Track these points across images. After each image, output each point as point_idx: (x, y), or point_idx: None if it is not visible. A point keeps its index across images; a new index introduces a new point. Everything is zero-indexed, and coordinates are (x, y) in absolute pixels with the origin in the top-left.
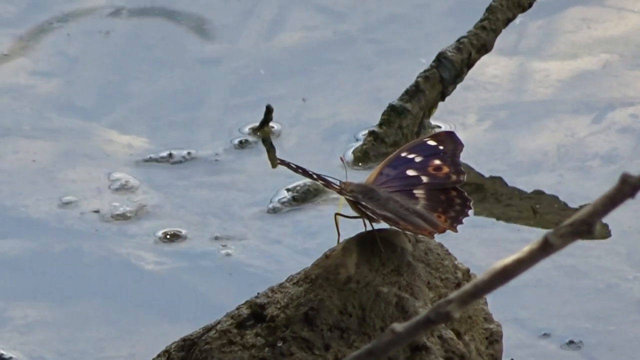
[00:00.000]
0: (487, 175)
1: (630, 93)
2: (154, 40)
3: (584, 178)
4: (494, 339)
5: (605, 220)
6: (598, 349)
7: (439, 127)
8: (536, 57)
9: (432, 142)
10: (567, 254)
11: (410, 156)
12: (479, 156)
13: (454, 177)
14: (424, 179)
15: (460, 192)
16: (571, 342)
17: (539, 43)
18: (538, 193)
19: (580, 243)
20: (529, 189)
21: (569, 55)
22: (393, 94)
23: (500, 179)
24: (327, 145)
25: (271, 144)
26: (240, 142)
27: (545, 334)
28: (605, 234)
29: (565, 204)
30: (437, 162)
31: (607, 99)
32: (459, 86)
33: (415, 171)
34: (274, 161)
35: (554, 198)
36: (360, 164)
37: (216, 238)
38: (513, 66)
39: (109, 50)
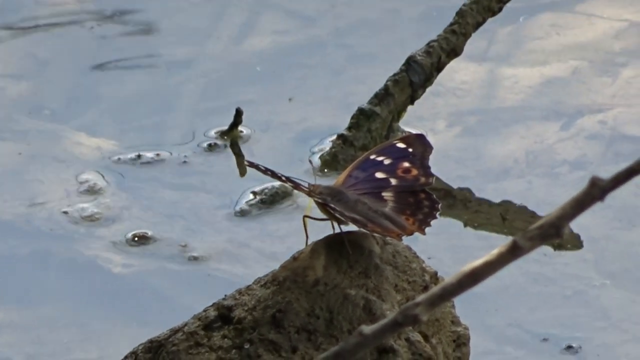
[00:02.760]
0: (456, 181)
1: (599, 100)
2: (124, 43)
3: (553, 184)
4: (461, 342)
5: (572, 226)
6: (565, 356)
7: (409, 132)
8: (506, 63)
9: (401, 145)
10: (534, 261)
11: (379, 159)
12: (448, 162)
13: (422, 180)
14: (393, 181)
15: (428, 194)
16: (538, 349)
17: (509, 49)
18: (507, 200)
19: (547, 250)
20: (497, 196)
21: (539, 61)
22: (363, 99)
23: (468, 185)
24: (297, 150)
25: (239, 150)
26: (210, 145)
27: (512, 341)
28: (578, 243)
29: (534, 211)
30: (406, 164)
31: (576, 105)
32: (428, 92)
33: (384, 174)
34: (242, 167)
35: (523, 205)
36: (327, 169)
37: (183, 241)
38: (482, 72)
39: (78, 53)
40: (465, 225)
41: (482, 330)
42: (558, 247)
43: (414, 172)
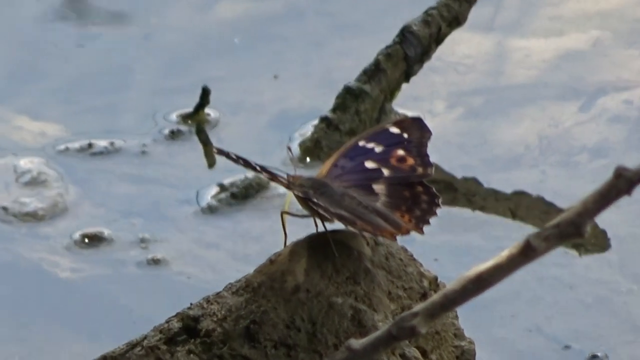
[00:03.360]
0: (458, 171)
1: (624, 75)
2: (69, 11)
3: (571, 175)
4: (465, 358)
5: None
6: None
7: (403, 115)
8: (515, 33)
9: (395, 130)
10: (550, 264)
11: (370, 145)
12: (449, 149)
13: (420, 170)
14: (386, 172)
15: (427, 187)
16: None
17: (519, 17)
18: (517, 192)
19: (565, 251)
20: (506, 188)
21: (554, 31)
22: (349, 75)
23: (473, 176)
24: (274, 136)
25: (206, 136)
26: (172, 131)
27: (525, 356)
28: (604, 243)
29: (548, 205)
30: (401, 152)
31: (598, 82)
32: (425, 68)
33: (375, 163)
34: (210, 156)
35: (536, 198)
36: (309, 158)
37: (142, 241)
38: (489, 44)
39: (18, 24)
40: (471, 223)
41: (489, 345)
42: (578, 247)
43: (410, 161)
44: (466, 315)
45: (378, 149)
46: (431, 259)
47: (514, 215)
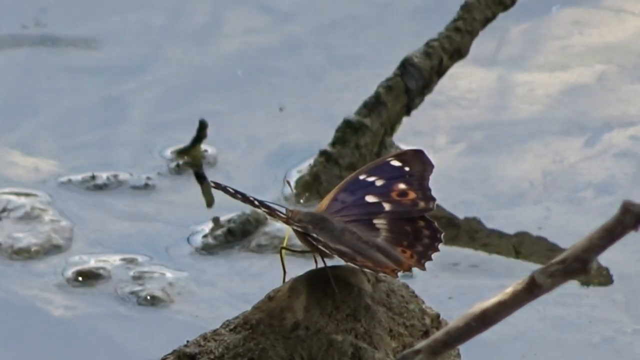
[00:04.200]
0: (460, 208)
1: (630, 110)
2: (65, 44)
3: (575, 212)
4: None
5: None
6: None
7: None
8: (519, 68)
9: (396, 163)
10: (555, 303)
11: (371, 179)
12: (451, 185)
13: (422, 205)
14: (387, 206)
15: (429, 222)
16: None
17: (523, 51)
18: (521, 230)
19: (571, 290)
20: (510, 225)
21: (558, 66)
22: (349, 109)
23: (476, 212)
24: (272, 171)
25: (202, 171)
26: (178, 165)
27: None
28: (608, 279)
29: (553, 243)
30: (403, 186)
31: (603, 117)
32: (427, 102)
33: (376, 197)
34: (208, 192)
35: (540, 236)
36: (308, 193)
37: (138, 278)
38: (492, 78)
39: (13, 58)
40: (473, 260)
41: None
42: (584, 285)
43: (412, 195)
44: (468, 353)
45: (379, 182)
46: (433, 299)
47: (517, 253)
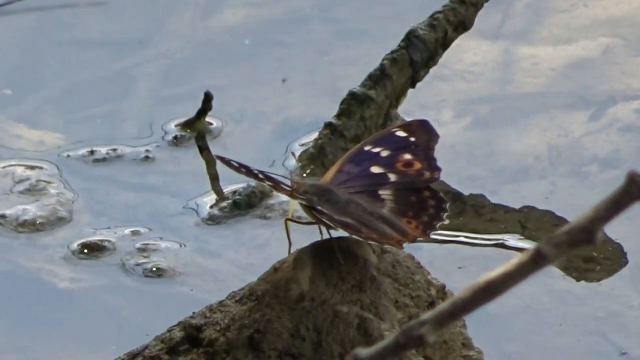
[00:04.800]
0: (466, 182)
1: (635, 84)
2: (70, 18)
3: (581, 186)
4: None
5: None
6: None
7: None
8: (524, 41)
9: (402, 133)
10: (561, 277)
11: (376, 150)
12: (457, 160)
13: (427, 175)
14: (392, 177)
15: (434, 192)
16: None
17: (528, 25)
18: (527, 205)
19: (577, 264)
20: (516, 200)
21: (563, 39)
22: (354, 83)
23: (481, 187)
24: (277, 144)
25: (206, 144)
26: (175, 138)
27: None
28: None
29: (560, 218)
30: (408, 156)
31: (608, 91)
32: (432, 76)
33: (381, 168)
34: (213, 164)
35: (546, 210)
36: (313, 165)
37: (143, 251)
38: (497, 52)
39: (17, 30)
40: (479, 235)
41: (498, 357)
42: (591, 259)
43: (417, 165)
44: (475, 330)
45: (384, 153)
46: (439, 271)
47: (523, 228)
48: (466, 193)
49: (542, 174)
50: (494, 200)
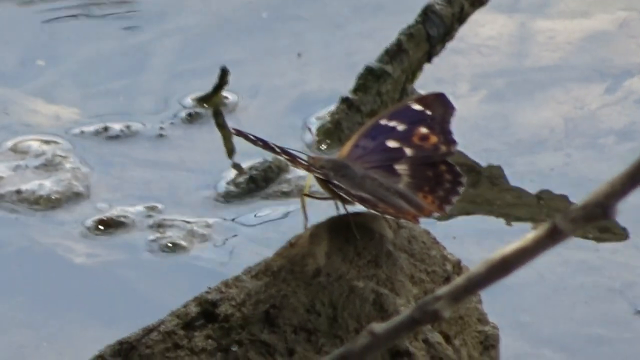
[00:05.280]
0: (482, 155)
1: None
2: None
3: (597, 158)
4: (489, 343)
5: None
6: None
7: None
8: (540, 14)
9: (417, 107)
10: (577, 247)
11: (392, 124)
12: (473, 132)
13: (443, 148)
14: (408, 151)
15: (450, 166)
16: (580, 351)
17: None
18: (542, 176)
19: (592, 234)
20: (531, 171)
21: (579, 12)
22: (370, 57)
23: (497, 159)
24: (293, 118)
25: (223, 119)
26: (190, 114)
27: (550, 342)
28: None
29: (574, 189)
30: (424, 130)
31: (624, 64)
32: (448, 49)
33: (397, 142)
34: (229, 139)
35: (561, 182)
36: (329, 140)
37: (159, 226)
38: (513, 26)
39: (32, 6)
40: (495, 206)
41: (514, 330)
42: (605, 231)
43: (433, 139)
44: (490, 300)
45: (400, 127)
46: (454, 244)
47: (538, 199)
48: (482, 165)
49: (558, 146)
50: (509, 172)
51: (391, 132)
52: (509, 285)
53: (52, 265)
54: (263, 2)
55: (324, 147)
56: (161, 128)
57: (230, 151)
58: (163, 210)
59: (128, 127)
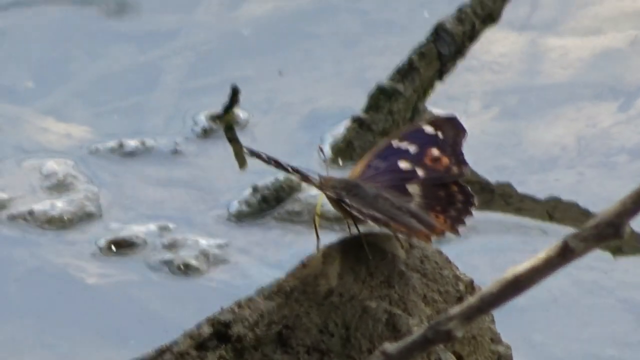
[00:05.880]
0: (494, 173)
1: None
2: (97, 10)
3: (609, 176)
4: None
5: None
6: None
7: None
8: (552, 32)
9: (429, 129)
10: (588, 268)
11: (403, 145)
12: (485, 150)
13: (455, 170)
14: (420, 172)
15: (462, 187)
16: None
17: (556, 15)
18: (554, 195)
19: (603, 255)
20: (543, 190)
21: (591, 30)
22: (381, 74)
23: (509, 176)
24: (304, 136)
25: (235, 136)
26: (204, 130)
27: None
28: None
29: (586, 208)
30: (435, 152)
31: (636, 82)
32: (460, 67)
33: (409, 163)
34: (241, 158)
35: (573, 201)
36: (341, 159)
37: (172, 246)
38: (524, 43)
39: (44, 23)
40: (507, 225)
41: (526, 350)
42: (617, 251)
43: (445, 160)
44: (503, 320)
45: (412, 148)
46: (466, 264)
47: (550, 217)
48: (494, 182)
49: (570, 164)
50: (521, 190)
51: (403, 153)
52: (521, 307)
53: (64, 286)
54: (274, 19)
55: (336, 166)
56: (176, 144)
57: (243, 169)
58: (175, 229)
59: (143, 143)
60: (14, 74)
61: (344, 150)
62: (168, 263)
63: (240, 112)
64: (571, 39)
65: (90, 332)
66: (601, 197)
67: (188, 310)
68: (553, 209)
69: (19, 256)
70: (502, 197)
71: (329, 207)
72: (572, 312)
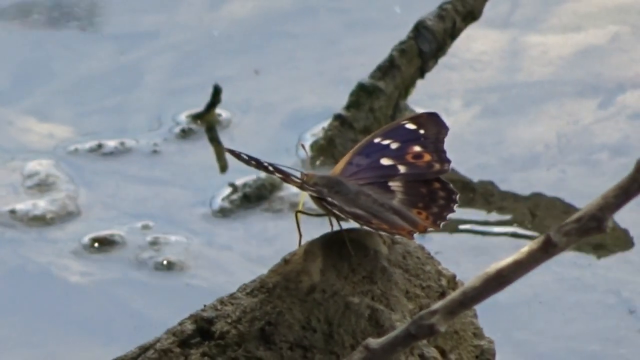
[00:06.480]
0: (476, 171)
1: None
2: (79, 10)
3: (591, 173)
4: (485, 358)
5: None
6: None
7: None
8: (533, 29)
9: (411, 126)
10: (571, 264)
11: (385, 142)
12: (466, 148)
13: (437, 166)
14: (402, 168)
15: (444, 183)
16: None
17: (536, 13)
18: (536, 192)
19: (586, 251)
20: (525, 188)
21: (571, 27)
22: (362, 73)
23: (491, 174)
24: (286, 135)
25: (217, 136)
26: (183, 130)
27: (545, 357)
28: (626, 241)
29: (569, 205)
30: (417, 148)
31: (617, 78)
32: (441, 64)
33: (391, 160)
34: (222, 157)
35: (555, 198)
36: (322, 156)
37: (154, 244)
38: (505, 41)
39: (25, 23)
40: (489, 223)
41: (509, 345)
42: (598, 248)
43: (427, 157)
44: (485, 317)
45: (394, 145)
46: (448, 260)
47: (533, 216)
48: (475, 181)
49: (552, 161)
50: (503, 188)
51: (385, 150)
52: (505, 303)
53: (47, 284)
54: (255, 19)
55: (317, 163)
56: (155, 144)
57: (224, 168)
58: (157, 227)
59: (122, 143)
60: None
61: (326, 147)
62: (150, 260)
63: (221, 112)
64: (552, 36)
65: (74, 330)
66: (583, 194)
67: (171, 308)
68: (535, 207)
69: (1, 255)
70: (483, 196)
71: (311, 204)
72: (555, 308)
